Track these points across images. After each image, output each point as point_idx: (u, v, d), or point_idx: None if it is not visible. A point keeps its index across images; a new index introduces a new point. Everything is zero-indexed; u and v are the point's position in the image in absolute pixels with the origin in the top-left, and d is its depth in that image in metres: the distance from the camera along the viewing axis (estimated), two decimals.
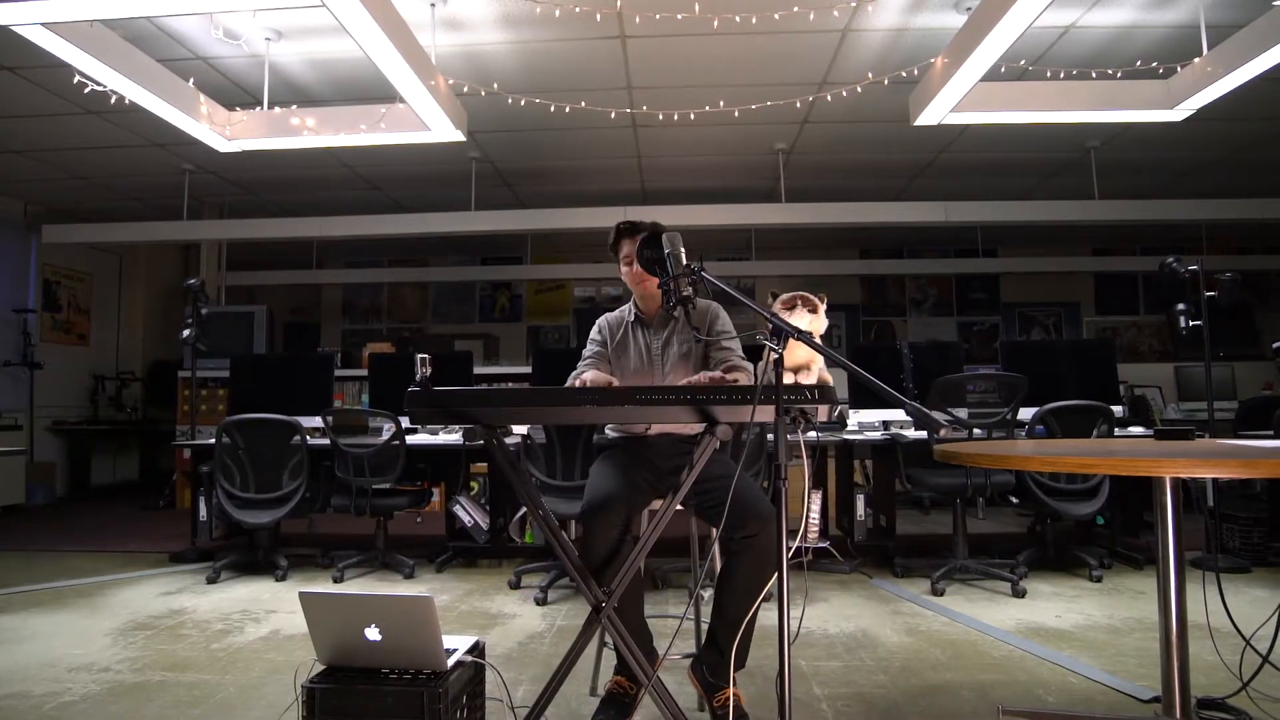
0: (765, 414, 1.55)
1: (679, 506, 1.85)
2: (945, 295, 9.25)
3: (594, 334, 2.40)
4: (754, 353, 2.10)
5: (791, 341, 1.52)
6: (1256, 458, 1.46)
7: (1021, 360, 4.23)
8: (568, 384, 2.06)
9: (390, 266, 9.27)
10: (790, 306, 1.73)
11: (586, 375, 2.00)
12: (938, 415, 3.58)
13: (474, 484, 5.06)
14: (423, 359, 1.73)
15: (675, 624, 2.68)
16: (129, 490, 7.54)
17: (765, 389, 1.52)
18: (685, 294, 1.74)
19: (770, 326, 1.52)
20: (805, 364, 1.74)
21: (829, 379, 1.77)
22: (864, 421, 4.24)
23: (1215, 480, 4.08)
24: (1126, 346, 8.95)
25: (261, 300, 7.30)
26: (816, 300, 1.75)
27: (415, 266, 9.08)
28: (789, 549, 1.45)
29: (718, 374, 1.87)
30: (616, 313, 2.42)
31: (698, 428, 1.74)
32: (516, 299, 9.49)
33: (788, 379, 1.62)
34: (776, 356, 1.47)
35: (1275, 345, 4.35)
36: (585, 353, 2.36)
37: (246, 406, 4.11)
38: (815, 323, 1.72)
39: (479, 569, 4.14)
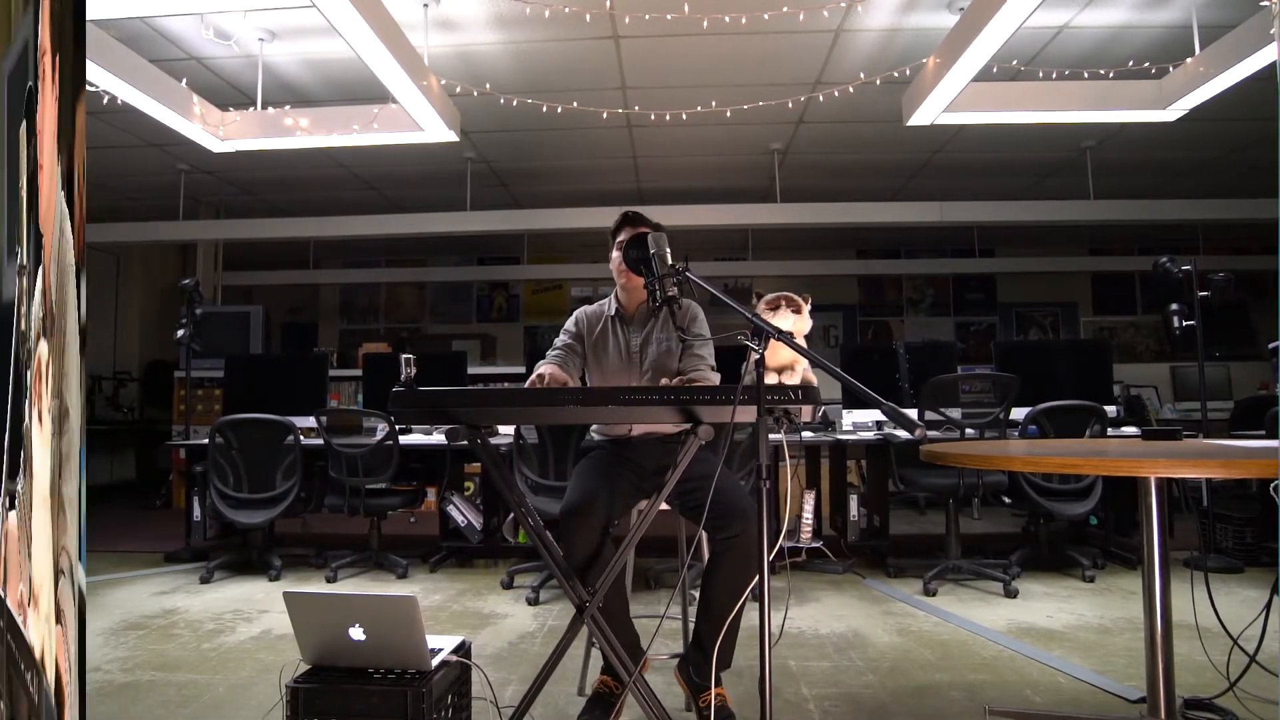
0: (747, 414, 1.55)
1: (664, 506, 1.85)
2: (942, 295, 9.25)
3: (569, 325, 2.34)
4: (737, 352, 2.10)
5: (775, 341, 1.52)
6: (1237, 458, 1.46)
7: (1016, 360, 4.23)
8: (531, 376, 2.04)
9: (387, 267, 9.28)
10: (774, 306, 1.74)
11: (544, 370, 2.00)
12: (929, 415, 3.59)
13: (468, 484, 5.06)
14: (407, 359, 1.74)
15: (666, 624, 2.68)
16: (126, 490, 7.54)
17: (747, 389, 1.52)
18: (670, 294, 1.74)
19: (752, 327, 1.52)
20: (789, 364, 1.74)
21: (813, 379, 1.77)
22: (858, 422, 4.25)
23: (1209, 480, 4.08)
24: (1123, 346, 8.94)
25: (258, 300, 7.29)
26: (800, 300, 1.75)
27: (412, 267, 9.09)
28: (776, 548, 1.45)
29: (680, 383, 1.87)
30: (595, 306, 2.37)
31: (680, 427, 1.74)
32: (514, 299, 9.49)
33: (771, 379, 1.62)
34: (758, 357, 1.47)
35: (1271, 345, 4.36)
36: (556, 342, 2.31)
37: (241, 406, 4.11)
38: (799, 323, 1.72)
39: (473, 569, 4.15)
